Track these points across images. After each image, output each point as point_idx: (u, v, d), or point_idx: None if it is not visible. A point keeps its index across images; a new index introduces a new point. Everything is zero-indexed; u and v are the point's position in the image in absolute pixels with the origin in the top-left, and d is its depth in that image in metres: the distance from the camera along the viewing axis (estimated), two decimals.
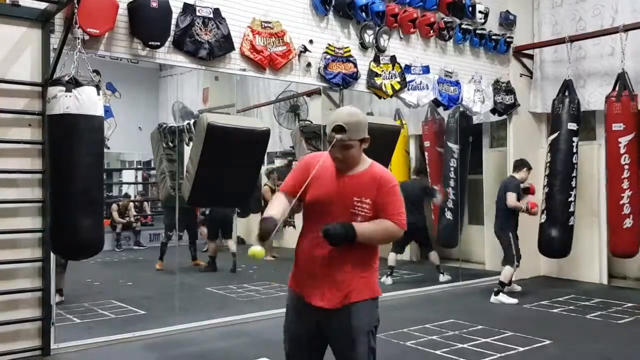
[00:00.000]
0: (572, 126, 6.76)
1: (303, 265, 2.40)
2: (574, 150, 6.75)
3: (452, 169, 7.84)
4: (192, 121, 5.40)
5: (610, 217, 6.62)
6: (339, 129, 2.28)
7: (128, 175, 12.43)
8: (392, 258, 7.19)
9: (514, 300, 6.14)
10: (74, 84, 3.76)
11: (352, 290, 2.33)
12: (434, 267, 7.26)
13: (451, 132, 7.88)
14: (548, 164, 6.84)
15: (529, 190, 6.37)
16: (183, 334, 4.88)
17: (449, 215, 7.74)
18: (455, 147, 7.85)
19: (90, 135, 3.83)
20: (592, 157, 7.09)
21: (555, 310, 5.74)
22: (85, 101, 3.76)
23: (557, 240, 6.71)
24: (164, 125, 6.05)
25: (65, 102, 3.73)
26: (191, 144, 5.14)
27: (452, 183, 7.81)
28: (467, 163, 7.90)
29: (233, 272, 7.80)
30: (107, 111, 11.12)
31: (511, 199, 6.21)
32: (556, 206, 6.69)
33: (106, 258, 8.54)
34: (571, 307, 5.85)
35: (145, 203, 9.33)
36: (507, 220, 6.29)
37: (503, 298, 6.16)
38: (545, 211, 6.78)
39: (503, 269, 6.30)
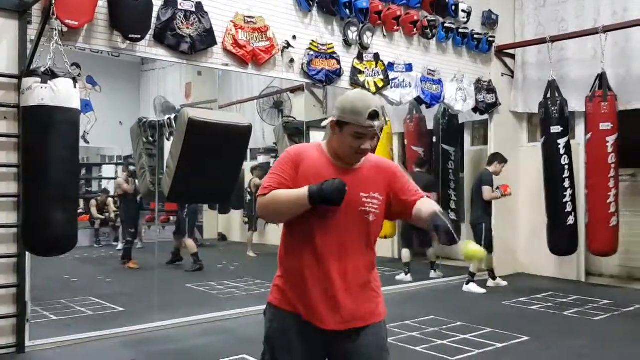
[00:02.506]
0: (556, 129, 6.83)
1: (313, 283, 1.96)
2: (562, 152, 6.83)
3: (450, 171, 7.93)
4: (172, 116, 5.35)
5: (592, 215, 6.61)
6: (375, 115, 1.93)
7: (108, 170, 12.28)
8: (407, 255, 7.22)
9: (482, 290, 6.45)
10: (49, 75, 3.69)
11: (376, 305, 2.07)
12: (429, 262, 7.37)
13: (445, 135, 7.95)
14: (543, 167, 6.98)
15: (502, 192, 6.57)
16: (162, 331, 4.83)
17: (452, 215, 7.83)
18: (451, 149, 7.93)
19: (65, 128, 3.76)
20: (574, 157, 7.15)
21: (533, 307, 5.81)
22: (61, 93, 3.69)
23: (560, 240, 6.87)
24: (144, 120, 5.99)
25: (40, 93, 3.67)
26: (172, 139, 5.09)
27: (452, 185, 7.88)
28: (460, 163, 8.04)
29: (200, 271, 7.78)
30: (87, 105, 11.01)
31: (488, 192, 6.51)
32: (553, 208, 6.84)
33: (85, 254, 8.45)
34: (549, 304, 5.92)
35: None
36: (483, 212, 6.58)
37: (473, 287, 6.46)
38: (547, 214, 6.92)
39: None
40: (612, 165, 6.44)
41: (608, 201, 6.44)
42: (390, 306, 2.21)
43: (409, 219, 2.08)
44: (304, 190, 1.89)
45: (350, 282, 1.99)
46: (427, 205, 2.01)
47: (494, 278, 6.92)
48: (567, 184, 6.81)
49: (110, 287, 6.94)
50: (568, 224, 6.82)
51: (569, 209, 6.82)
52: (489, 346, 4.38)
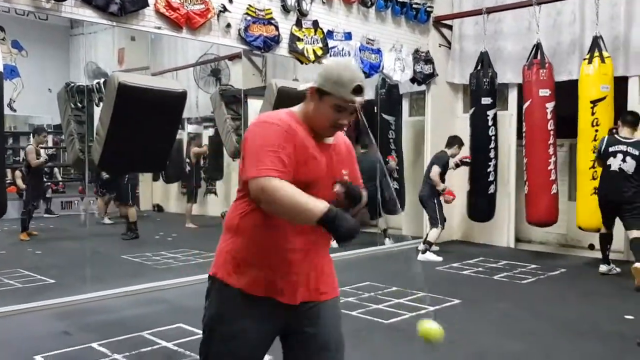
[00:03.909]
0: (486, 100, 7.04)
1: (279, 261, 1.86)
2: (490, 124, 7.06)
3: (391, 140, 7.98)
4: (102, 80, 5.12)
5: (532, 184, 6.60)
6: (360, 89, 1.81)
7: None
8: None
9: (439, 258, 6.58)
10: None
11: (334, 279, 2.04)
12: (381, 230, 7.50)
13: (385, 104, 7.98)
14: (470, 137, 7.19)
15: (467, 162, 6.92)
16: (96, 302, 4.71)
17: (395, 185, 7.91)
18: (391, 118, 7.99)
19: None
20: (505, 127, 7.39)
21: (465, 272, 6.03)
22: None
23: (479, 207, 7.24)
24: (72, 85, 5.71)
25: None
26: (101, 104, 4.88)
27: (393, 154, 7.94)
28: (401, 133, 8.11)
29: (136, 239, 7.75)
30: (13, 71, 10.43)
31: (434, 172, 6.64)
32: (477, 176, 7.14)
33: (13, 226, 8.07)
34: (480, 269, 6.16)
35: (56, 169, 8.76)
36: (432, 189, 6.70)
37: (430, 256, 6.60)
38: (469, 181, 7.24)
39: (430, 231, 6.74)
40: (551, 132, 6.53)
41: (549, 168, 6.51)
42: None
43: None
44: (317, 209, 1.67)
45: (318, 255, 1.95)
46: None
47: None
48: (492, 154, 7.10)
49: (40, 259, 6.69)
50: (489, 192, 7.15)
51: (491, 178, 7.13)
52: (422, 309, 4.52)
